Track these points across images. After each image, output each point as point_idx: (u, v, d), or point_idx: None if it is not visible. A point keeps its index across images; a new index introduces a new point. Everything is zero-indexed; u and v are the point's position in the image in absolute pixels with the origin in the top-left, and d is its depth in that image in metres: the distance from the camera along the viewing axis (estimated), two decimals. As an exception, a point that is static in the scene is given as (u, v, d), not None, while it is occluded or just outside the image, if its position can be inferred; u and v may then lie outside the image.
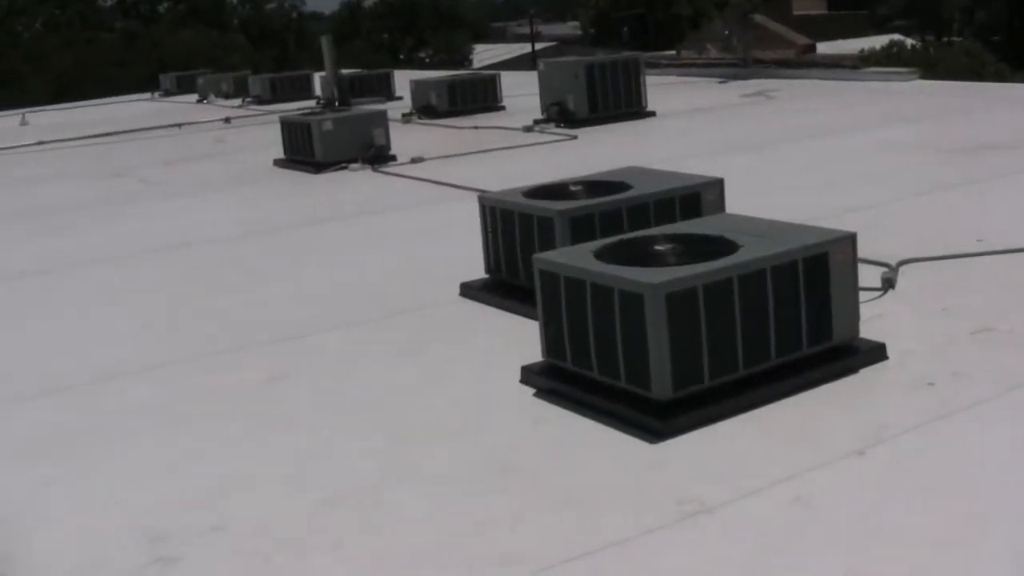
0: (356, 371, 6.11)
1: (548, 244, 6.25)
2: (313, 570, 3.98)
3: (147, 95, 33.21)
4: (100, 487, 4.89)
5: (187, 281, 8.68)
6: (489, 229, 6.96)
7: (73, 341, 7.36)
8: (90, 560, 4.25)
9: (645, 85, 16.05)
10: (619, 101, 15.67)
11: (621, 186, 6.79)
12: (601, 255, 5.27)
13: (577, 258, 5.28)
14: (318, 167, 13.24)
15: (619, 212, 6.46)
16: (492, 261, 7.03)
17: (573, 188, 6.94)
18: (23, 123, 26.03)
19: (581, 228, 6.30)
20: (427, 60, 62.00)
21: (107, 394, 6.18)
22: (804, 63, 24.22)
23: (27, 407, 6.12)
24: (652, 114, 16.05)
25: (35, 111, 29.88)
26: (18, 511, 4.73)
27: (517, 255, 6.70)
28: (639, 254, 5.27)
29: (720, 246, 5.19)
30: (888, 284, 6.47)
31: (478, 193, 7.51)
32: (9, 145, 20.58)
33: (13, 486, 5.00)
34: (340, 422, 5.37)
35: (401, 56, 60.83)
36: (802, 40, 41.28)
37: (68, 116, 28.39)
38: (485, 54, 66.52)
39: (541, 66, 16.35)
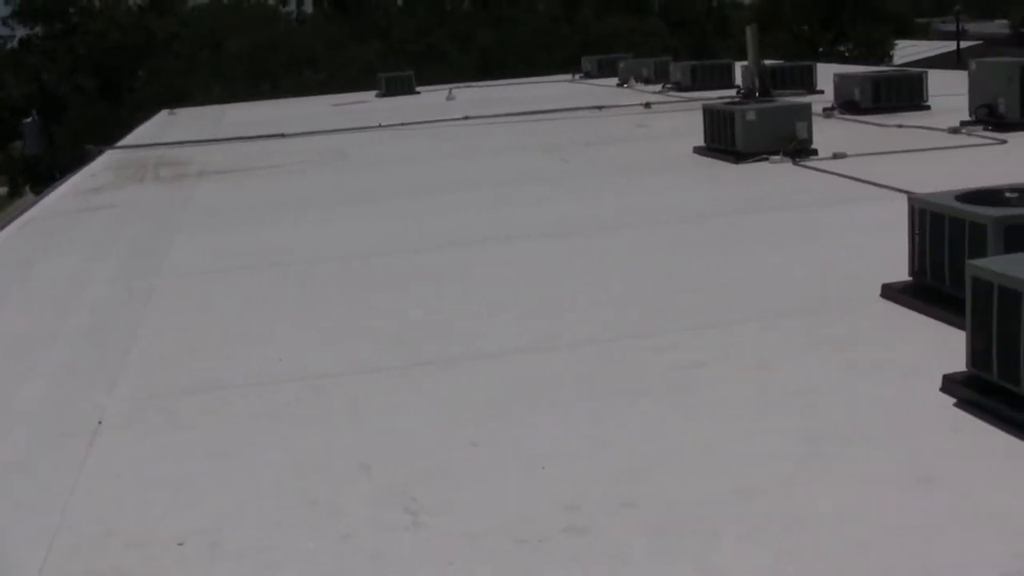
0: (774, 364, 6.13)
1: (979, 252, 6.02)
2: (720, 555, 4.05)
3: (567, 76, 34.06)
4: (523, 452, 5.15)
5: (618, 263, 8.93)
6: (916, 231, 6.81)
7: (516, 307, 7.80)
8: (507, 517, 4.50)
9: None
10: (1058, 107, 14.73)
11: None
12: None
13: (1014, 268, 5.07)
14: (738, 157, 13.26)
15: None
16: (917, 264, 6.87)
17: (1009, 195, 6.63)
18: (449, 97, 27.30)
19: (1016, 237, 6.05)
20: (846, 54, 60.47)
21: (537, 363, 6.53)
22: None
23: (457, 369, 6.52)
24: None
25: (460, 87, 31.26)
26: (447, 467, 5.06)
27: (945, 260, 6.52)
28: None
29: None
30: None
31: (900, 193, 7.35)
32: (436, 118, 21.66)
33: (444, 444, 5.35)
34: (756, 413, 5.41)
35: (820, 49, 59.59)
36: None
37: (491, 93, 29.55)
38: (907, 50, 64.14)
39: (972, 66, 15.62)
